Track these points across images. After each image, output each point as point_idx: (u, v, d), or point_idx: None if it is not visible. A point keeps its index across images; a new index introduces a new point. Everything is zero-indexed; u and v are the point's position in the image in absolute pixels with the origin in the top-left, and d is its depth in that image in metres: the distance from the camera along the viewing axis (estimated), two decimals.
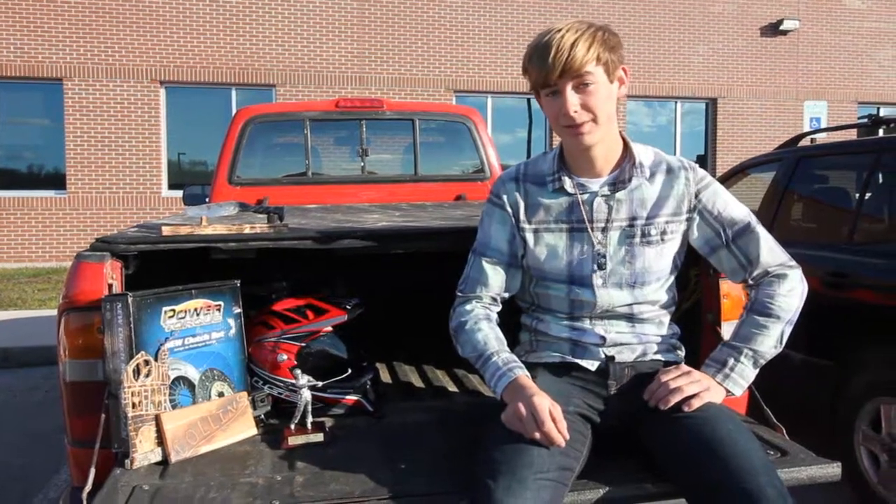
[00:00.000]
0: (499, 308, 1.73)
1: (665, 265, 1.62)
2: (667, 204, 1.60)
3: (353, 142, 4.33)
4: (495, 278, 1.69)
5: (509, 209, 1.68)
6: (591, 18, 1.64)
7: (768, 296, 1.57)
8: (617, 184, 1.60)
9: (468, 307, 1.69)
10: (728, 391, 1.55)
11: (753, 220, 1.62)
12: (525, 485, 1.29)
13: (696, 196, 1.61)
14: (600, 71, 1.50)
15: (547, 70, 1.49)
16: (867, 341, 2.88)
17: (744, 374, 1.56)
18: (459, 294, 1.73)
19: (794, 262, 1.62)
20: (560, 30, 1.50)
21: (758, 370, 1.58)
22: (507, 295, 1.73)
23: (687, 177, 1.62)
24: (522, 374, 1.53)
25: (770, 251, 1.60)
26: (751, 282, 1.62)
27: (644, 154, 1.64)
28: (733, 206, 1.62)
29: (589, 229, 1.60)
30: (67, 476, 3.08)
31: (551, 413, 1.39)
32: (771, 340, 1.56)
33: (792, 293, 1.58)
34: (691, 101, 13.23)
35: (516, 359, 1.59)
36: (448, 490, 1.42)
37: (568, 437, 1.40)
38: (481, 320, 1.66)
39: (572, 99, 1.50)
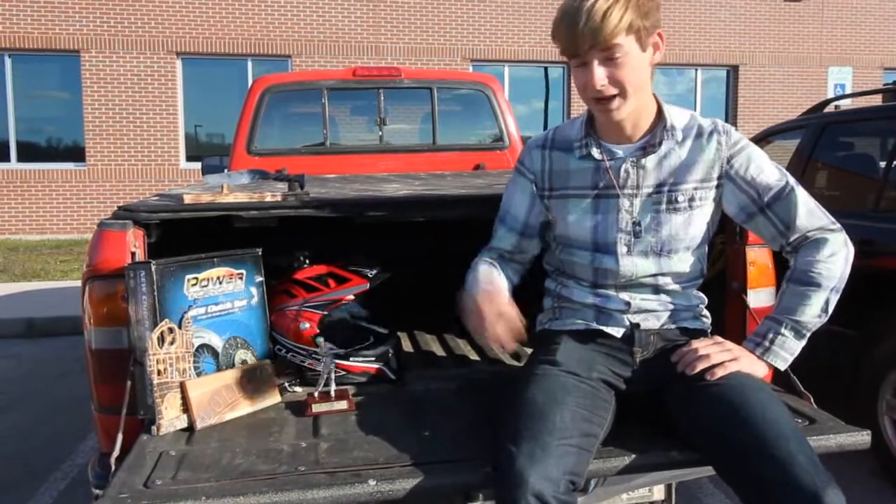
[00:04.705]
0: (515, 266, 1.75)
1: (694, 233, 1.57)
2: (696, 169, 1.55)
3: (370, 111, 4.29)
4: (506, 241, 1.73)
5: (532, 177, 1.67)
6: None
7: (808, 262, 1.51)
8: (647, 148, 1.55)
9: (477, 259, 1.73)
10: (770, 365, 1.51)
11: (791, 181, 1.53)
12: (548, 451, 1.28)
13: (728, 161, 1.55)
14: (631, 41, 1.42)
15: (576, 40, 1.42)
16: (892, 310, 2.84)
17: (786, 346, 1.51)
18: None
19: (836, 225, 1.54)
20: None
21: (804, 341, 1.52)
22: (521, 257, 1.74)
23: (719, 141, 1.55)
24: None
25: (809, 214, 1.53)
26: (789, 248, 1.56)
27: (678, 117, 1.57)
28: (769, 170, 1.55)
29: (617, 196, 1.56)
30: (95, 443, 3.14)
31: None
32: (814, 310, 1.49)
33: (834, 258, 1.50)
34: (712, 69, 12.99)
35: (495, 276, 1.65)
36: (471, 457, 1.42)
37: (513, 347, 1.52)
38: (482, 263, 1.70)
39: (599, 73, 1.44)
